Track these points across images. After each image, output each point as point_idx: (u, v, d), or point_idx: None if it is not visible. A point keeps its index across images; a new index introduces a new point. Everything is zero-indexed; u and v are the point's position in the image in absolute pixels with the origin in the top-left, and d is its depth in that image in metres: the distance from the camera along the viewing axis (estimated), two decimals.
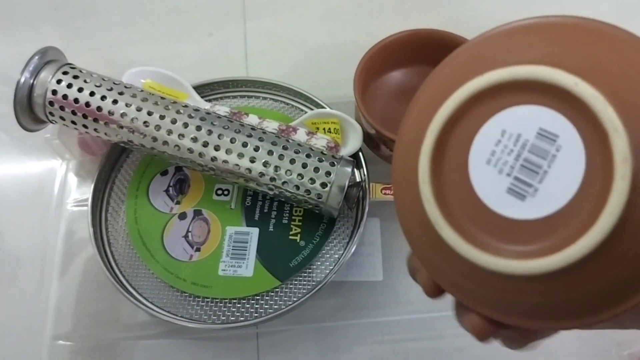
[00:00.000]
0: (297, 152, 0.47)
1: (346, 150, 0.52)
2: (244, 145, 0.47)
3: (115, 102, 0.47)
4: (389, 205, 0.48)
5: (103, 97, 0.47)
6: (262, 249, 0.50)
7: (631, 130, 0.19)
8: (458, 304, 0.26)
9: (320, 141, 0.52)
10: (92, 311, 0.52)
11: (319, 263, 0.49)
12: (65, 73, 0.48)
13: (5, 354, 0.50)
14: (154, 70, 0.56)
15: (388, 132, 0.49)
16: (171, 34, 0.67)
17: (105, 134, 0.48)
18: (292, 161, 0.47)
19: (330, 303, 0.51)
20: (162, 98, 0.48)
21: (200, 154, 0.47)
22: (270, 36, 0.67)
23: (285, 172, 0.46)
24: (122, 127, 0.47)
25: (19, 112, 0.48)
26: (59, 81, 0.48)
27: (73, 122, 0.48)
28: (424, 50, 0.55)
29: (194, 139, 0.47)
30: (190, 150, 0.47)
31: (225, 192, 0.53)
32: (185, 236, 0.50)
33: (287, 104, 0.58)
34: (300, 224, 0.51)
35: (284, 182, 0.47)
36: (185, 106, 0.48)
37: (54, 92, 0.47)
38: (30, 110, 0.49)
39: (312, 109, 0.57)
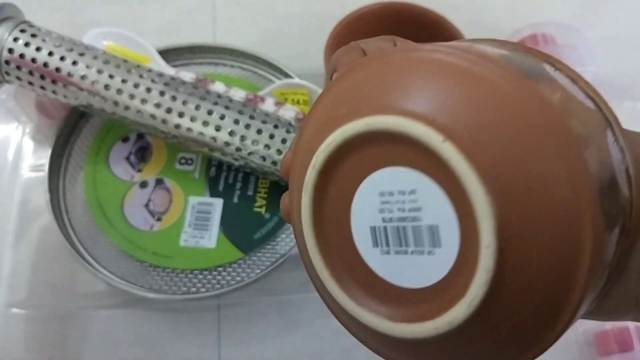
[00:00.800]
0: (264, 122, 0.46)
1: None
2: (209, 113, 0.45)
3: (75, 63, 0.45)
4: None
5: (62, 58, 0.45)
6: (226, 220, 0.49)
7: (496, 192, 0.18)
8: None
9: (288, 112, 0.51)
10: (48, 280, 0.50)
11: (283, 236, 0.49)
12: (22, 31, 0.46)
13: None
14: (117, 32, 0.54)
15: None
16: None
17: (64, 96, 0.47)
18: (259, 131, 0.46)
19: (294, 276, 0.51)
20: (125, 61, 0.47)
21: (164, 121, 0.45)
22: (239, 2, 0.65)
23: (252, 142, 0.45)
24: (81, 89, 0.45)
25: None
26: (15, 39, 0.46)
27: (30, 83, 0.47)
28: (398, 25, 0.54)
29: (157, 105, 0.45)
30: (153, 117, 0.45)
31: (189, 161, 0.51)
32: (146, 205, 0.49)
33: (255, 73, 0.57)
34: (265, 196, 0.50)
35: (250, 153, 0.46)
36: (149, 70, 0.47)
37: (11, 50, 0.45)
38: None
39: (280, 80, 0.56)
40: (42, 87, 0.47)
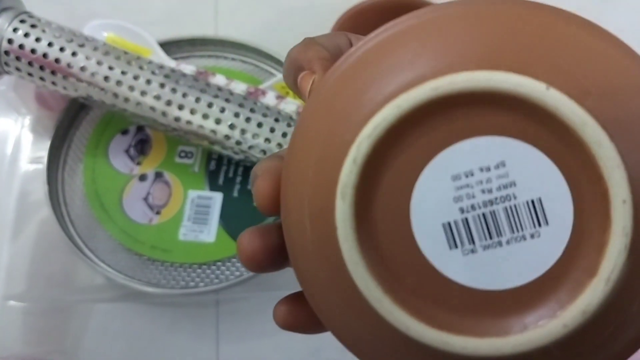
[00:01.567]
0: (265, 115, 0.46)
1: None
2: (210, 105, 0.45)
3: (74, 54, 0.45)
4: None
5: (62, 49, 0.45)
6: (226, 214, 0.49)
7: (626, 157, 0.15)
8: None
9: (289, 106, 0.50)
10: (46, 273, 0.50)
11: None
12: (22, 22, 0.46)
13: None
14: (118, 23, 0.53)
15: None
16: None
17: (64, 87, 0.46)
18: (260, 125, 0.45)
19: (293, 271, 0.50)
20: (125, 53, 0.46)
21: (163, 113, 0.45)
22: None
23: (252, 135, 0.45)
24: (81, 81, 0.45)
25: None
26: (15, 30, 0.45)
27: (30, 74, 0.46)
28: None
29: (157, 97, 0.45)
30: (153, 109, 0.45)
31: (189, 155, 0.51)
32: (146, 198, 0.49)
33: (257, 66, 0.57)
34: None
35: (250, 146, 0.45)
36: (149, 62, 0.46)
37: (10, 41, 0.45)
38: None
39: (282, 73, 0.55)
40: (42, 78, 0.46)
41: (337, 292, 0.17)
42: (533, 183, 0.16)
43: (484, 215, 0.16)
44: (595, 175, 0.15)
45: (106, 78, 0.45)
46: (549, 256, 0.16)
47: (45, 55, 0.45)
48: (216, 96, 0.46)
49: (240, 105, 0.46)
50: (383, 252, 0.17)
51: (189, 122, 0.45)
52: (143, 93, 0.45)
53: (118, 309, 0.49)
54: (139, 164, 0.51)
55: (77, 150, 0.52)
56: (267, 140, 0.45)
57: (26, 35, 0.45)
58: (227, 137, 0.45)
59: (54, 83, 0.46)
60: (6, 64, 0.46)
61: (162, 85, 0.45)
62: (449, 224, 0.17)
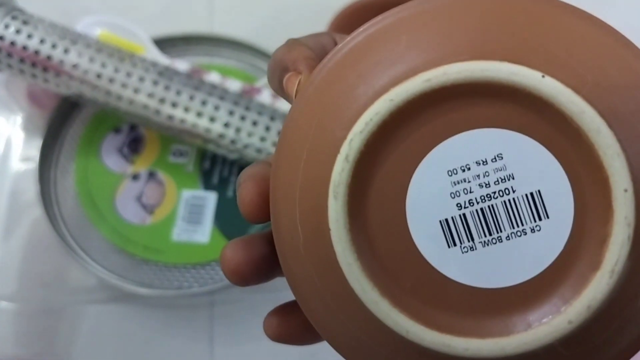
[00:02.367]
0: (260, 113, 0.45)
1: None
2: (204, 103, 0.44)
3: (66, 51, 0.44)
4: None
5: (54, 46, 0.45)
6: (221, 214, 0.48)
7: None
8: None
9: (285, 104, 0.50)
10: (37, 273, 0.50)
11: None
12: (14, 18, 0.45)
13: None
14: (111, 20, 0.53)
15: None
16: None
17: (56, 85, 0.46)
18: (255, 123, 0.45)
19: None
20: (118, 50, 0.46)
21: (157, 111, 0.44)
22: None
23: (247, 134, 0.44)
24: (73, 78, 0.45)
25: None
26: (6, 26, 0.45)
27: (21, 71, 0.46)
28: None
29: (150, 95, 0.44)
30: (146, 107, 0.44)
31: (183, 154, 0.51)
32: (139, 198, 0.48)
33: (252, 64, 0.56)
34: None
35: (245, 145, 0.45)
36: (143, 60, 0.46)
37: (1, 37, 0.45)
38: None
39: None
40: (34, 76, 0.46)
41: (332, 296, 0.17)
42: (531, 175, 0.16)
43: (482, 210, 0.16)
44: (595, 165, 0.15)
45: (99, 75, 0.44)
46: (551, 251, 0.16)
47: (37, 53, 0.44)
48: (210, 94, 0.45)
49: (235, 104, 0.45)
50: (379, 253, 0.16)
51: (182, 120, 0.44)
52: (136, 90, 0.44)
53: (111, 310, 0.48)
54: (132, 163, 0.50)
55: (69, 149, 0.51)
56: (262, 139, 0.45)
57: (18, 32, 0.45)
58: (222, 135, 0.45)
59: (46, 80, 0.46)
60: None
61: (155, 83, 0.44)
62: (447, 220, 0.16)
